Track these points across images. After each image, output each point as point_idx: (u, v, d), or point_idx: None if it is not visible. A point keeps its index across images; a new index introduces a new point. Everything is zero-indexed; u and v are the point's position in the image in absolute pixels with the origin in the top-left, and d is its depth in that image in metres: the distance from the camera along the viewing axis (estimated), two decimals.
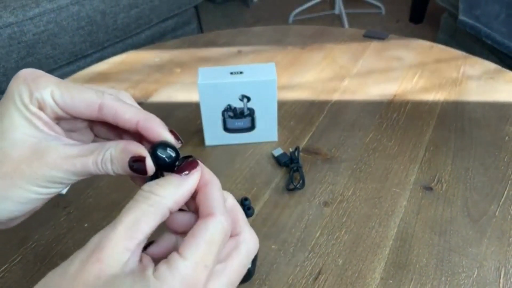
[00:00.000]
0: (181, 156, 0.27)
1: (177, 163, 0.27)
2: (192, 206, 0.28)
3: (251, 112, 0.60)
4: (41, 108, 0.27)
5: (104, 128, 0.31)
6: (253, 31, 0.95)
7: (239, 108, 0.59)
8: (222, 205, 0.26)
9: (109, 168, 0.26)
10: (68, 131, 0.30)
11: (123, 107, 0.27)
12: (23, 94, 0.26)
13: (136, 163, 0.26)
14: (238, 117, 0.60)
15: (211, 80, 0.57)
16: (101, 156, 0.26)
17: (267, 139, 0.63)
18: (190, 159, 0.27)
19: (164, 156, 0.26)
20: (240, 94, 0.58)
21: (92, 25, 1.24)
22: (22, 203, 0.26)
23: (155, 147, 0.27)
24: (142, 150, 0.26)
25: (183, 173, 0.26)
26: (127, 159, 0.26)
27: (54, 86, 0.27)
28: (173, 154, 0.27)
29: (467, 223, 0.49)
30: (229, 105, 0.59)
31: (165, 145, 0.27)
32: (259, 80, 0.57)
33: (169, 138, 0.28)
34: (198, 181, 0.26)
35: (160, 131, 0.27)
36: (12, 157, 0.26)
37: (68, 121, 0.29)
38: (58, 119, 0.28)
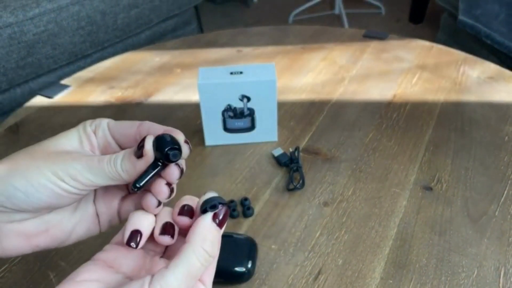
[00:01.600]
0: (213, 203, 0.29)
1: (209, 205, 0.29)
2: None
3: (251, 112, 0.60)
4: (95, 131, 0.31)
5: None
6: (253, 31, 0.95)
7: (239, 108, 0.59)
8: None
9: (118, 164, 0.28)
10: None
11: (157, 124, 0.31)
12: (88, 121, 0.32)
13: (139, 149, 0.28)
14: (238, 117, 0.60)
15: (211, 80, 0.57)
16: (115, 155, 0.29)
17: (267, 139, 0.63)
18: (223, 209, 0.29)
19: (163, 140, 0.28)
20: (240, 94, 0.58)
21: (92, 25, 1.24)
22: (33, 186, 0.27)
23: (158, 135, 0.29)
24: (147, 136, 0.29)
25: (216, 222, 0.29)
26: (135, 149, 0.29)
27: (112, 120, 0.32)
28: (171, 142, 0.29)
29: (467, 223, 0.49)
30: (229, 105, 0.59)
31: (169, 136, 0.29)
32: (259, 80, 0.57)
33: (179, 136, 0.30)
34: None
35: (178, 135, 0.30)
36: (49, 149, 0.29)
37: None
38: (104, 148, 0.31)
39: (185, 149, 0.30)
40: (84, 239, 0.32)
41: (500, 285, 0.43)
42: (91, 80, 0.80)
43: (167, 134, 0.29)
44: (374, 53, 0.84)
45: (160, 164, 0.29)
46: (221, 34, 0.94)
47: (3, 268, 0.47)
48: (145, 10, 1.37)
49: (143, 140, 0.28)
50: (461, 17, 1.34)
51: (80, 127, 0.31)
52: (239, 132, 0.62)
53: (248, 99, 0.59)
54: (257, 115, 0.60)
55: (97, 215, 0.33)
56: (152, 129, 0.30)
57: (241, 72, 0.58)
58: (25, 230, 0.29)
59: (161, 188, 0.29)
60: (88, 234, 0.32)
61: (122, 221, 0.33)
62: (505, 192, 0.53)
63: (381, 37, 0.90)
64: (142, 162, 0.28)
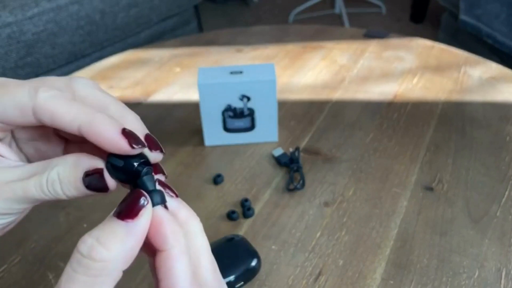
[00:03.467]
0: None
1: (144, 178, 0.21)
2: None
3: (251, 112, 0.60)
4: None
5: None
6: (253, 31, 0.94)
7: (239, 108, 0.59)
8: (191, 283, 0.21)
9: (59, 191, 0.21)
10: (31, 140, 0.26)
11: (62, 108, 0.21)
12: None
13: (93, 179, 0.21)
14: (238, 117, 0.60)
15: (211, 80, 0.57)
16: (45, 177, 0.21)
17: (267, 139, 0.62)
18: (133, 194, 0.21)
19: (120, 165, 0.21)
20: (240, 94, 0.58)
21: (92, 25, 1.24)
22: None
23: (109, 156, 0.21)
24: (97, 162, 0.21)
25: (128, 219, 0.20)
26: (81, 176, 0.21)
27: None
28: (133, 163, 0.21)
29: (468, 224, 0.49)
30: (229, 105, 0.59)
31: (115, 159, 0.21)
32: (259, 80, 0.57)
33: (121, 144, 0.21)
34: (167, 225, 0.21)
35: (109, 135, 0.20)
36: None
37: (24, 129, 0.25)
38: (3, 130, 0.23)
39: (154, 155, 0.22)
40: None
41: (502, 286, 0.43)
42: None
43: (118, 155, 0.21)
44: (374, 52, 0.84)
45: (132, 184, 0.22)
46: (221, 34, 0.94)
47: (2, 269, 0.46)
48: (145, 9, 1.37)
49: (94, 169, 0.21)
50: (462, 16, 1.34)
51: None
52: (239, 132, 0.61)
53: (248, 99, 0.58)
54: (257, 115, 0.60)
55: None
56: (59, 121, 0.21)
57: (241, 72, 0.58)
58: None
59: None
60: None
61: None
62: (506, 193, 0.53)
63: (381, 36, 0.89)
64: (95, 194, 0.21)
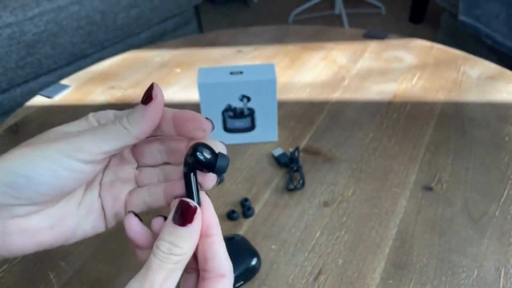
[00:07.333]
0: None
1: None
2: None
3: (251, 112, 0.60)
4: (99, 121, 0.30)
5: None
6: (253, 31, 0.95)
7: (239, 108, 0.59)
8: (228, 260, 0.27)
9: (124, 120, 0.27)
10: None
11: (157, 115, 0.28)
12: (90, 113, 0.30)
13: (148, 95, 0.27)
14: (238, 117, 0.60)
15: (211, 80, 0.57)
16: (121, 115, 0.28)
17: (267, 139, 0.62)
18: (183, 204, 0.27)
19: (202, 158, 0.27)
20: (240, 94, 0.58)
21: (92, 25, 1.24)
22: (35, 170, 0.26)
23: (195, 146, 0.27)
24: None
25: (187, 225, 0.26)
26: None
27: (118, 112, 0.30)
28: (209, 156, 0.27)
29: (467, 223, 0.49)
30: (229, 105, 0.59)
31: (205, 145, 0.27)
32: (259, 80, 0.57)
33: (206, 123, 0.28)
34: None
35: (197, 116, 0.28)
36: (52, 135, 0.28)
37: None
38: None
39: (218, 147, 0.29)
40: (85, 239, 0.31)
41: (501, 285, 0.43)
42: (91, 80, 0.80)
43: (203, 143, 0.27)
44: (374, 53, 0.84)
45: (193, 172, 0.28)
46: (221, 34, 0.94)
47: (2, 269, 0.47)
48: (145, 10, 1.37)
49: (150, 87, 0.27)
50: (461, 17, 1.34)
51: (83, 117, 0.30)
52: (239, 132, 0.62)
53: (248, 99, 0.59)
54: (257, 115, 0.60)
55: (103, 209, 0.31)
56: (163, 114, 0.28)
57: (241, 72, 0.58)
58: (28, 226, 0.28)
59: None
60: (94, 230, 0.31)
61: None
62: (505, 192, 0.53)
63: (381, 37, 0.90)
64: (151, 108, 0.27)
